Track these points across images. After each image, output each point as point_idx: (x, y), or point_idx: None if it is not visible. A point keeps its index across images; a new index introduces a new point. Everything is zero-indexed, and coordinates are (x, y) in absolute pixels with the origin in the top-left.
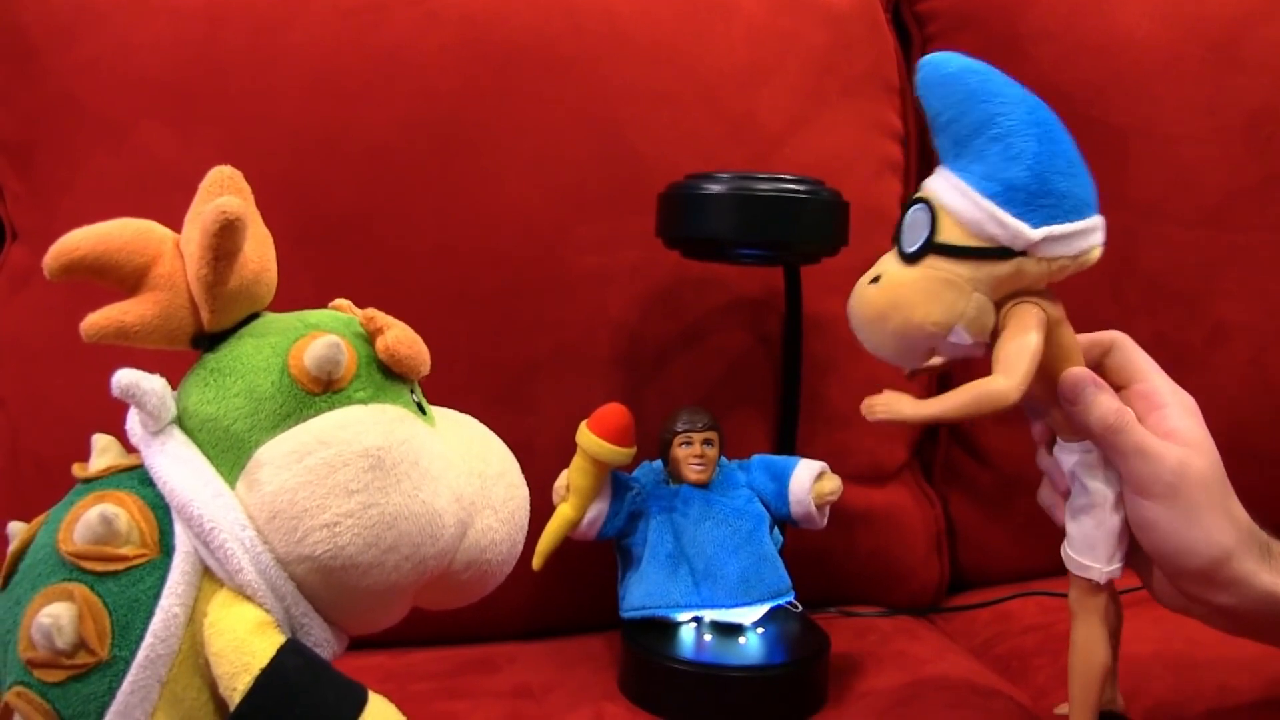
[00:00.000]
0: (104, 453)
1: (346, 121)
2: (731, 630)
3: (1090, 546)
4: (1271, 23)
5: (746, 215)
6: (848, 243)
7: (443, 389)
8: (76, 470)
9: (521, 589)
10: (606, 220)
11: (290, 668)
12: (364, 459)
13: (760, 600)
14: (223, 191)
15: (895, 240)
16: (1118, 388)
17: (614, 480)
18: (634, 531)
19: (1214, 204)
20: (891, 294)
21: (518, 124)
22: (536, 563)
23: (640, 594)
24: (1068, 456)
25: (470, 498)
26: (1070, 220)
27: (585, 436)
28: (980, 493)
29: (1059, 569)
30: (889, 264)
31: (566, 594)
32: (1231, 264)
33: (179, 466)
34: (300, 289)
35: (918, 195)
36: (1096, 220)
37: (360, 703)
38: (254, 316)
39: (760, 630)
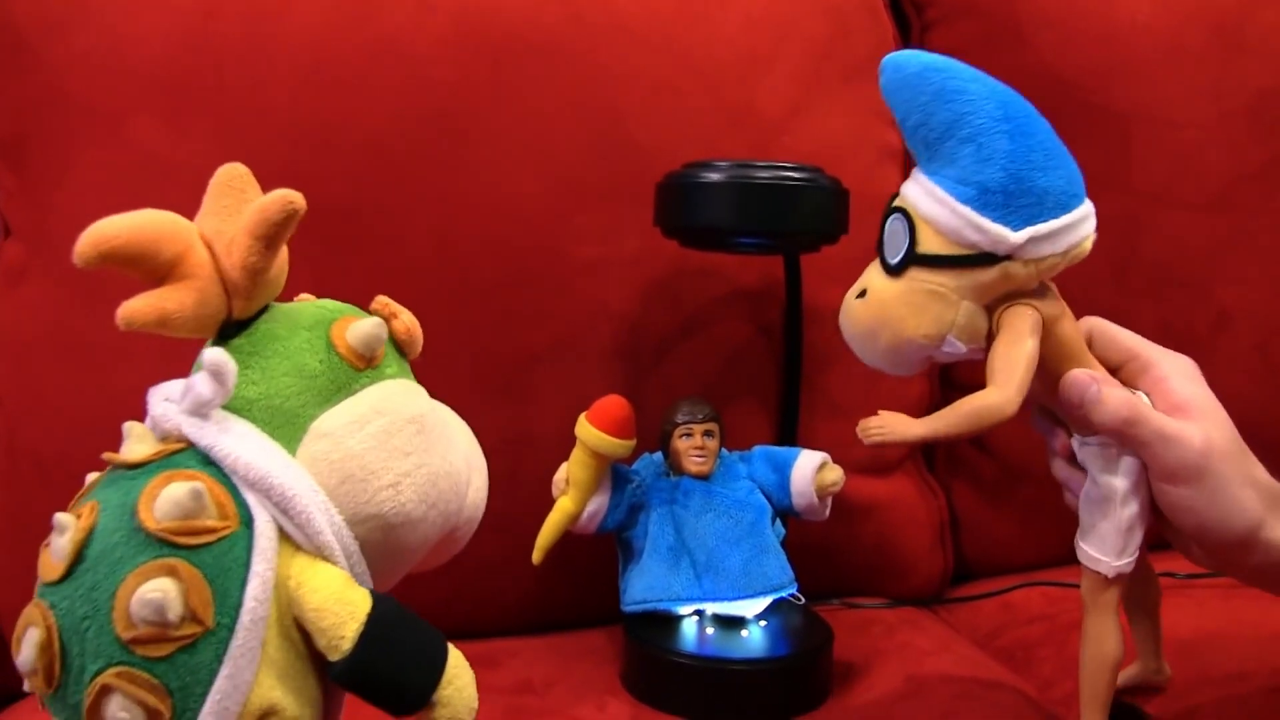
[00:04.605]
0: (141, 439)
1: (342, 113)
2: (734, 623)
3: (1100, 540)
4: (1274, 7)
5: (746, 204)
6: (848, 231)
7: (441, 381)
8: (113, 457)
9: (522, 584)
10: (605, 210)
11: (389, 611)
12: (412, 424)
13: (762, 592)
14: (244, 189)
15: (879, 249)
16: (1112, 369)
17: (614, 473)
18: (635, 524)
19: (1218, 189)
20: (878, 309)
21: (515, 113)
22: (536, 557)
23: (642, 587)
24: (1082, 449)
25: (471, 459)
26: (1055, 216)
27: (585, 429)
28: (983, 483)
29: (1063, 559)
30: (874, 277)
31: (567, 588)
32: (1236, 249)
33: (247, 442)
34: (297, 280)
35: (895, 204)
36: (1085, 209)
37: (442, 639)
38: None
39: (763, 623)
